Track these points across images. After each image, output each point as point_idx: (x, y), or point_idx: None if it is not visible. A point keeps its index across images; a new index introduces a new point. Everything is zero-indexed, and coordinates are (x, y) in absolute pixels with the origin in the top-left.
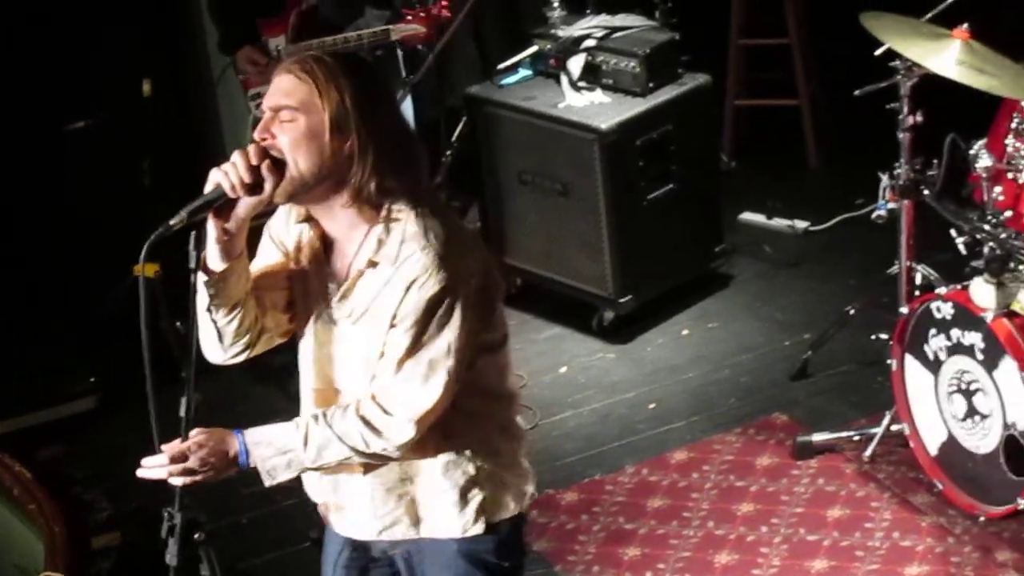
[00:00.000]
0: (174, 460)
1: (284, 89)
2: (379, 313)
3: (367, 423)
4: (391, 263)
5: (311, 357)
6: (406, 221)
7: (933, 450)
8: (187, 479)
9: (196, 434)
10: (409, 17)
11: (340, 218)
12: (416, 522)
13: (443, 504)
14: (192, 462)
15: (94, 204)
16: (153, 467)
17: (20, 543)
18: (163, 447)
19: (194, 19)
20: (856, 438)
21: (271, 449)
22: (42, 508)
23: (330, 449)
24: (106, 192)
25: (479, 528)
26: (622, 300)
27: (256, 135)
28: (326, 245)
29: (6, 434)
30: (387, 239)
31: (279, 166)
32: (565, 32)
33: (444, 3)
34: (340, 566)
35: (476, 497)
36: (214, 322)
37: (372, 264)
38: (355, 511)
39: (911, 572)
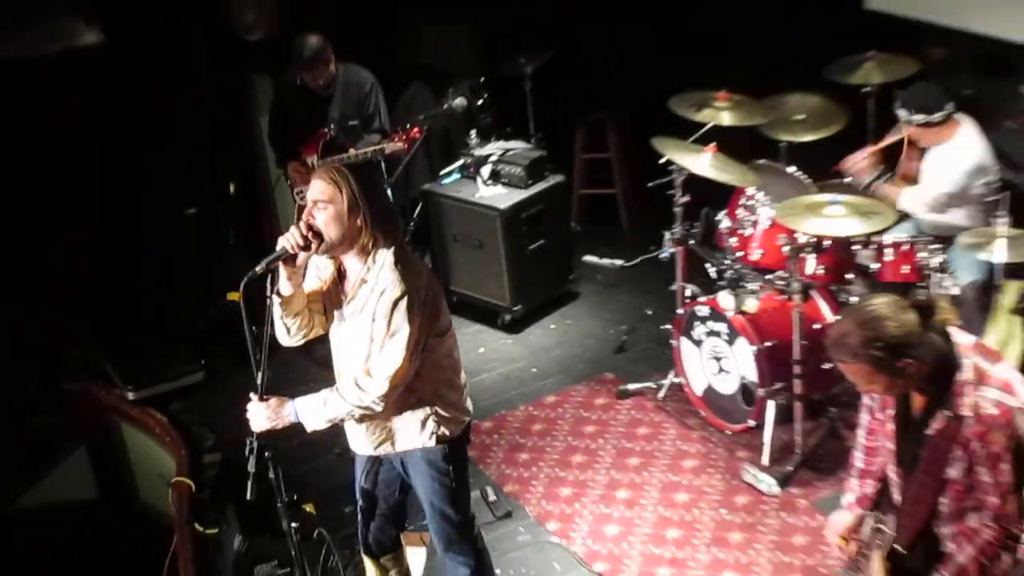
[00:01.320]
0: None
1: (318, 189)
2: (367, 311)
3: (358, 385)
4: (375, 280)
5: (334, 339)
6: (384, 257)
7: (699, 392)
8: (265, 426)
9: (272, 399)
10: (394, 137)
11: (350, 258)
12: (394, 442)
13: (411, 430)
14: (267, 414)
15: (200, 259)
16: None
17: (160, 461)
18: (249, 409)
19: (260, 146)
20: (654, 387)
21: (307, 410)
22: (173, 439)
23: (336, 406)
24: (207, 251)
25: (433, 443)
26: (515, 308)
27: (304, 216)
28: (341, 274)
29: (150, 397)
30: (374, 267)
31: (319, 235)
32: (479, 151)
33: (416, 129)
34: (363, 467)
35: (430, 425)
36: (284, 323)
37: (364, 281)
38: (357, 436)
39: (688, 464)
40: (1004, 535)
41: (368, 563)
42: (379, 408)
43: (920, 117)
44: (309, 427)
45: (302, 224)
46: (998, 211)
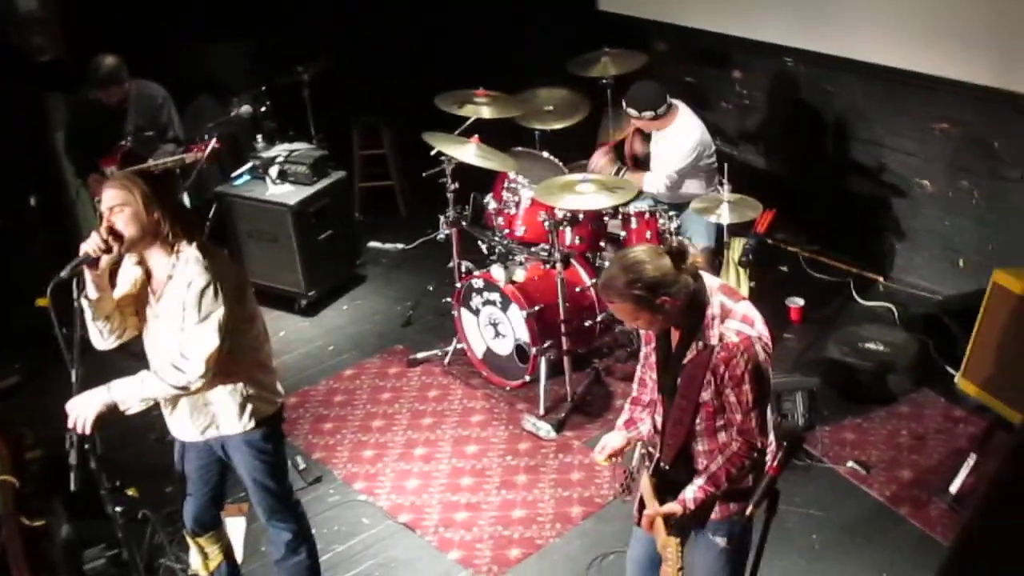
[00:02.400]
0: (73, 410)
1: (111, 196)
2: (175, 305)
3: (175, 366)
4: (180, 275)
5: (146, 340)
6: (187, 251)
7: (480, 355)
8: (83, 419)
9: (83, 396)
10: (194, 148)
11: (155, 256)
12: (217, 426)
13: (231, 415)
14: (83, 401)
15: (9, 268)
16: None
17: None
18: (67, 405)
19: (57, 159)
20: (440, 354)
21: (124, 391)
22: None
23: (153, 386)
24: (15, 261)
25: (252, 424)
26: (309, 293)
27: (104, 221)
28: (148, 273)
29: None
30: (179, 264)
31: (119, 237)
32: (266, 154)
33: (216, 140)
34: (180, 450)
35: (248, 408)
36: (96, 326)
37: (170, 278)
38: (182, 423)
39: (476, 419)
40: (748, 447)
41: (191, 543)
42: (196, 387)
43: (649, 113)
44: (124, 405)
45: (102, 228)
46: (721, 180)
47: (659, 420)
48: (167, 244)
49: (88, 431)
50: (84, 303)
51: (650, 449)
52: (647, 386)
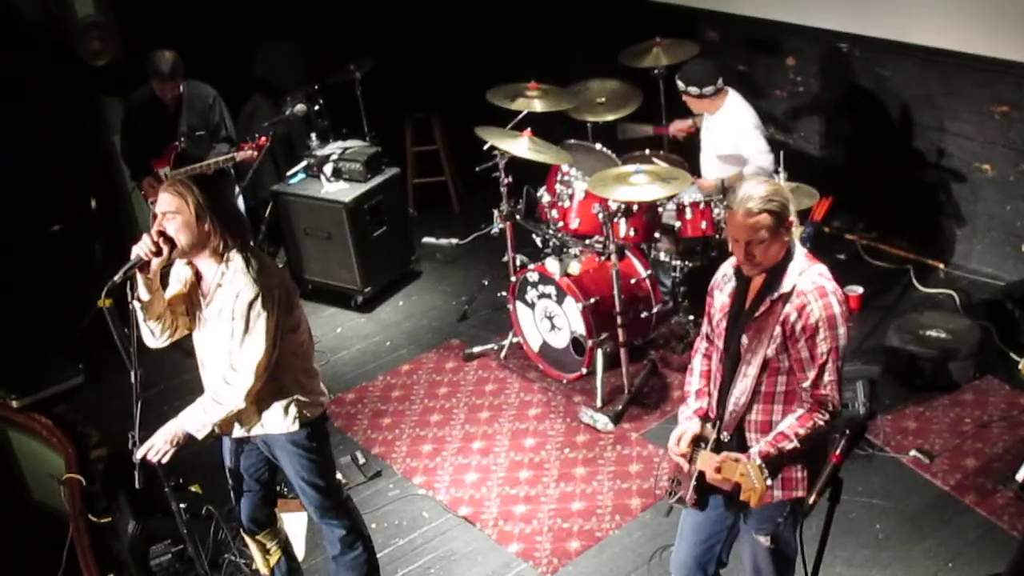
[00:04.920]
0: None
1: (164, 201)
2: (224, 313)
3: (227, 381)
4: (229, 284)
5: (196, 340)
6: (236, 261)
7: (536, 349)
8: (161, 452)
9: (157, 433)
10: (244, 147)
11: (204, 262)
12: (263, 424)
13: (276, 416)
14: (160, 444)
15: (70, 270)
16: (144, 453)
17: (49, 462)
18: (143, 447)
19: (115, 163)
20: (496, 348)
21: (193, 422)
22: (60, 440)
23: (216, 410)
24: (75, 263)
25: (296, 426)
26: (365, 289)
27: (155, 225)
28: (198, 277)
29: (32, 402)
30: (227, 272)
31: (171, 242)
32: (320, 152)
33: (264, 138)
34: (230, 450)
35: (292, 411)
36: (148, 327)
37: (220, 285)
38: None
39: (533, 412)
40: (819, 406)
41: (248, 540)
42: (246, 397)
43: (694, 89)
44: (200, 436)
45: (153, 232)
46: (776, 168)
47: (716, 394)
48: (216, 253)
49: (166, 461)
50: (136, 304)
51: (708, 428)
52: (710, 378)
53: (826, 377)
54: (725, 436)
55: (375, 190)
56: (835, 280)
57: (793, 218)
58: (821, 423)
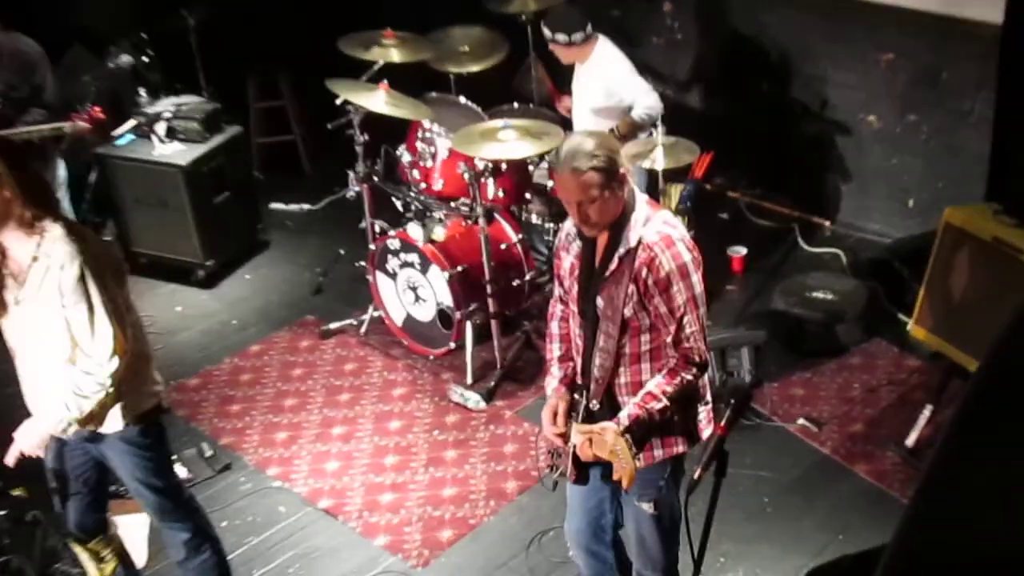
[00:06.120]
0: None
1: None
2: (46, 289)
3: (85, 371)
4: (47, 256)
5: (5, 327)
6: (53, 230)
7: (399, 323)
8: (29, 451)
9: (20, 429)
10: (74, 117)
11: (11, 236)
12: (97, 424)
13: (112, 412)
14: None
15: None
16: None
17: None
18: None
19: None
20: (355, 323)
21: (57, 422)
22: None
23: (80, 402)
24: None
25: (126, 423)
26: (208, 262)
27: None
28: (3, 254)
29: None
30: (44, 243)
31: None
32: (151, 109)
33: (98, 108)
34: (52, 449)
35: (125, 405)
36: None
37: (35, 259)
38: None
39: (398, 392)
40: (685, 361)
41: (78, 550)
42: (112, 383)
43: (562, 37)
44: (66, 434)
45: None
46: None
47: (580, 360)
48: (25, 223)
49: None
50: None
51: (575, 396)
52: (569, 341)
53: (687, 329)
54: (595, 404)
55: (215, 151)
56: (680, 228)
57: (626, 168)
58: (689, 378)
